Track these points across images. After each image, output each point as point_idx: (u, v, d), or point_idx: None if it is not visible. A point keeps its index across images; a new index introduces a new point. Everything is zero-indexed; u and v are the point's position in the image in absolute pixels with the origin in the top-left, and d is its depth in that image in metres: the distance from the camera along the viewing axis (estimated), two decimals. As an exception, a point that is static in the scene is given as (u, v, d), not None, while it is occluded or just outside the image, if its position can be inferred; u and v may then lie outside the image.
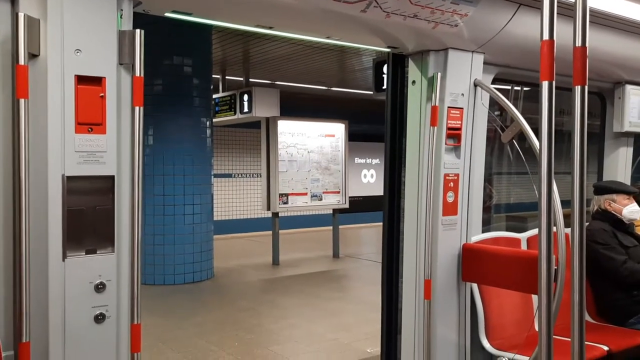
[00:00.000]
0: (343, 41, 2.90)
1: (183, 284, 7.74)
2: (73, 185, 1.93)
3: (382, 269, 3.25)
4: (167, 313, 6.19)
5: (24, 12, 1.81)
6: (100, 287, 1.99)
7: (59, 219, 1.91)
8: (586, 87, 1.56)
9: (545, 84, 1.58)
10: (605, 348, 3.10)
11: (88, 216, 1.99)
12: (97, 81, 1.96)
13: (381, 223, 3.38)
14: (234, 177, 13.16)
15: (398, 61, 3.15)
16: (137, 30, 2.01)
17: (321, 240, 11.26)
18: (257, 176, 13.00)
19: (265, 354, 4.93)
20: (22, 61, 1.81)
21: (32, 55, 1.88)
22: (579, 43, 1.56)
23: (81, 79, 1.93)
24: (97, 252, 2.00)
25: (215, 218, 8.84)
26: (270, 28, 2.60)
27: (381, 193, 3.41)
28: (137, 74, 2.01)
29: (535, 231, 3.49)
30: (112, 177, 2.01)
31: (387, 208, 3.23)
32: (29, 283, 1.84)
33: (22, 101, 1.82)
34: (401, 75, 3.16)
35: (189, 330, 5.57)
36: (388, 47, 2.96)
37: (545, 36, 1.59)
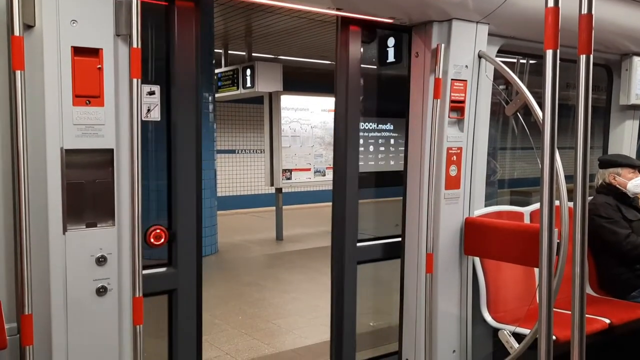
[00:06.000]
0: (346, 12, 2.84)
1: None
2: (72, 159, 1.93)
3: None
4: (171, 287, 6.24)
5: None
6: (101, 260, 1.99)
7: (59, 192, 1.91)
8: (591, 57, 1.53)
9: (549, 53, 1.55)
10: (607, 321, 3.11)
11: (88, 189, 1.98)
12: (94, 52, 1.93)
13: (385, 198, 3.39)
14: (237, 152, 13.14)
15: (402, 33, 3.10)
16: (134, 0, 1.97)
17: (325, 216, 11.27)
18: (260, 152, 12.97)
19: (269, 327, 4.98)
20: (17, 32, 1.79)
21: (28, 27, 1.85)
22: (584, 10, 1.52)
23: (78, 51, 1.90)
24: (98, 225, 2.00)
25: (218, 194, 8.85)
26: (271, -2, 2.55)
27: (388, 168, 3.45)
28: (135, 45, 1.99)
29: (538, 205, 3.47)
30: (111, 150, 1.99)
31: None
32: (30, 256, 1.84)
33: (18, 73, 1.80)
34: (405, 47, 3.11)
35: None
36: (391, 17, 2.91)
37: (550, 3, 1.55)
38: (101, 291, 2.00)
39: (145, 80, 2.32)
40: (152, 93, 2.35)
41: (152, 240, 2.38)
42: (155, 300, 2.49)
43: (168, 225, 2.47)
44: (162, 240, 2.41)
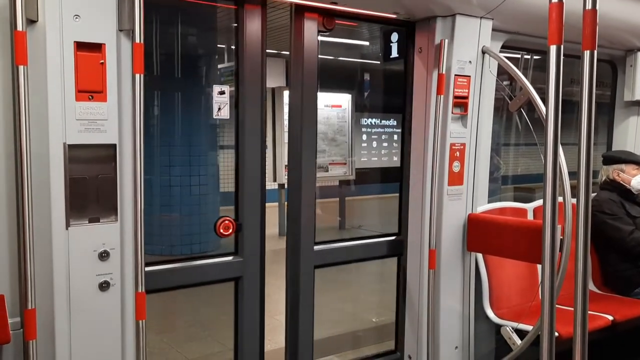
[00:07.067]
0: (348, 7, 2.83)
1: (190, 254, 7.80)
2: (75, 154, 1.93)
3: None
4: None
5: None
6: (104, 256, 2.00)
7: (62, 187, 1.91)
8: (595, 52, 1.52)
9: (553, 48, 1.54)
10: (610, 318, 3.10)
11: (91, 185, 1.98)
12: (97, 48, 1.93)
13: (387, 195, 3.38)
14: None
15: (406, 29, 3.09)
16: None
17: (327, 212, 11.25)
18: (264, 148, 12.95)
19: (271, 323, 4.98)
20: (20, 27, 1.79)
21: (31, 21, 1.85)
22: (589, 6, 1.52)
23: (80, 46, 1.90)
24: (101, 220, 2.00)
25: (221, 190, 8.84)
26: (274, -8, 2.54)
27: (390, 165, 3.43)
28: (137, 40, 1.98)
29: (541, 201, 3.46)
30: (113, 146, 2.00)
31: None
32: (33, 251, 1.85)
33: (21, 68, 1.80)
34: (409, 43, 3.10)
35: (195, 299, 5.62)
36: (395, 13, 2.90)
37: None
38: (104, 286, 2.01)
39: (215, 80, 2.45)
40: (222, 93, 2.45)
41: (221, 230, 2.58)
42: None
43: (235, 217, 2.64)
44: (230, 230, 2.60)
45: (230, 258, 2.69)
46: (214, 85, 2.58)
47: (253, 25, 2.55)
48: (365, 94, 3.93)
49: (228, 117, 2.60)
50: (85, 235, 1.97)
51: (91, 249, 1.98)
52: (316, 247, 2.95)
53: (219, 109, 2.55)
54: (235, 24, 2.57)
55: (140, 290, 2.07)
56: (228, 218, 2.62)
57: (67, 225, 1.94)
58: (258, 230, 2.69)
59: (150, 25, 2.62)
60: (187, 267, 2.60)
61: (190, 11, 2.82)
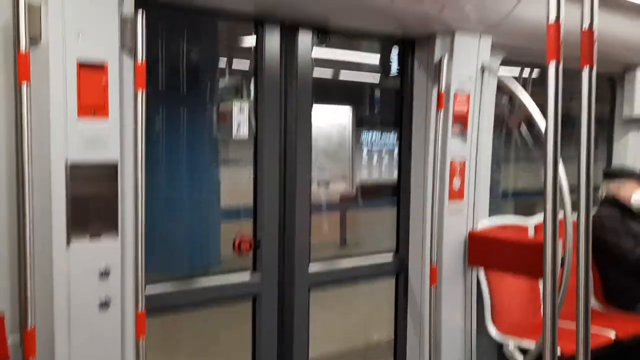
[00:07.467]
0: (343, 24, 2.84)
1: (192, 271, 7.75)
2: (76, 171, 1.93)
3: None
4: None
5: None
6: (104, 274, 1.99)
7: (63, 204, 1.91)
8: (594, 69, 1.53)
9: (552, 64, 1.55)
10: (613, 333, 3.08)
11: (92, 202, 1.98)
12: (100, 66, 1.94)
13: (386, 210, 3.38)
14: (242, 164, 13.10)
15: (405, 45, 3.11)
16: (139, 14, 1.99)
17: (328, 226, 11.16)
18: (265, 163, 12.92)
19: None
20: (23, 47, 1.80)
21: (34, 40, 1.86)
22: (586, 26, 1.53)
23: (83, 64, 1.92)
24: (102, 238, 2.00)
25: (222, 204, 8.82)
26: (274, 12, 2.56)
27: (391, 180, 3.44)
28: (139, 58, 2.00)
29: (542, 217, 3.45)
30: (115, 163, 2.00)
31: None
32: (33, 268, 1.85)
33: (24, 87, 1.81)
34: (408, 60, 3.12)
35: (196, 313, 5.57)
36: (394, 31, 2.92)
37: (552, 19, 1.55)
38: (104, 305, 2.00)
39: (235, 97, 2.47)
40: (241, 110, 2.49)
41: (239, 247, 2.61)
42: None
43: (253, 234, 2.66)
44: (249, 247, 2.62)
45: (247, 275, 2.69)
46: (234, 101, 2.63)
47: (272, 44, 2.60)
48: (366, 109, 3.95)
49: (247, 137, 2.65)
50: (85, 254, 1.97)
51: (92, 267, 1.98)
52: (311, 267, 2.85)
53: (238, 126, 2.57)
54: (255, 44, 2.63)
55: (140, 310, 2.06)
56: (246, 235, 2.65)
57: (68, 243, 1.93)
58: (276, 247, 2.70)
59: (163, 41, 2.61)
60: (203, 285, 2.63)
61: (205, 28, 2.82)
